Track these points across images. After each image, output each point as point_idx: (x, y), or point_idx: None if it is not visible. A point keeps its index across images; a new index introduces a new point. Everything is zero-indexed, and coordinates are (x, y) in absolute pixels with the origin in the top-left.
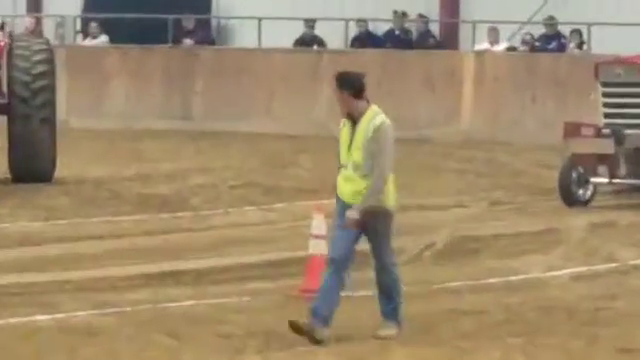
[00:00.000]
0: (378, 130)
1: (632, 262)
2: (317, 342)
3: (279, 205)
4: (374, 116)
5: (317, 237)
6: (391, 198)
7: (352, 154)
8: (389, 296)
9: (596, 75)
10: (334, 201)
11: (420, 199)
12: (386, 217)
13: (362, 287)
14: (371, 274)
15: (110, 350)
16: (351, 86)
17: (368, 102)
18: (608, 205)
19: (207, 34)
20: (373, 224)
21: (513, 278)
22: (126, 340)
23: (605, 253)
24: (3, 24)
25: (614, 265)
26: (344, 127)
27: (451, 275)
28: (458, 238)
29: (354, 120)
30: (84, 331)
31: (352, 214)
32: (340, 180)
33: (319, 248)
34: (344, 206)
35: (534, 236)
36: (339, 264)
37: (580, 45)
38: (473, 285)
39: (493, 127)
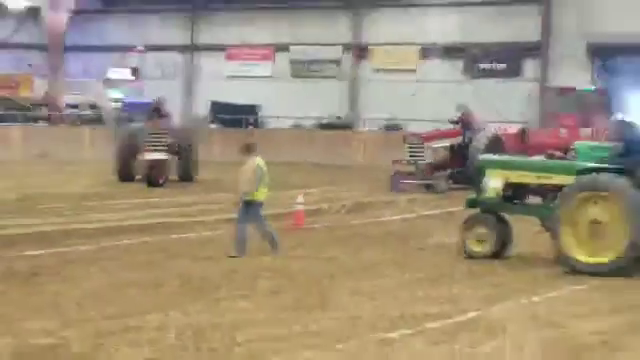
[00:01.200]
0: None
1: (423, 213)
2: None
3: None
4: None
5: (299, 204)
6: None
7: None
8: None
9: (404, 140)
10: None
11: (341, 188)
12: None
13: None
14: None
15: None
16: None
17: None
18: (418, 191)
19: None
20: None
21: (380, 219)
22: None
23: (410, 209)
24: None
25: (414, 215)
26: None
27: (354, 218)
28: (356, 203)
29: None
30: None
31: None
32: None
33: (300, 206)
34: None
35: (386, 203)
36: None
37: (404, 128)
38: (363, 222)
39: (372, 161)
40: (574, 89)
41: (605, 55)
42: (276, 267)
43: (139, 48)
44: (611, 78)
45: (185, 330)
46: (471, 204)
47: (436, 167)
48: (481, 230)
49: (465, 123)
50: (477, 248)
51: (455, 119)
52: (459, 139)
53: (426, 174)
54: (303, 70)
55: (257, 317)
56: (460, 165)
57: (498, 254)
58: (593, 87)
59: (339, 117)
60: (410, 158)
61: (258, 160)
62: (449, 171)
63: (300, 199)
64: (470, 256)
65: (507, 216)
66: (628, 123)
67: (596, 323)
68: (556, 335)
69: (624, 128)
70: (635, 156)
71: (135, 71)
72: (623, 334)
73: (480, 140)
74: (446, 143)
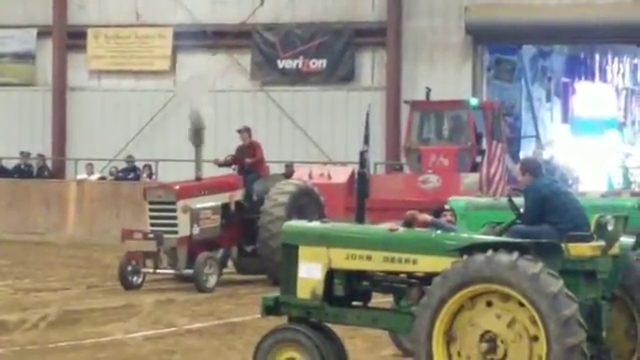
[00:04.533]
0: None
1: (186, 327)
2: None
3: None
4: None
5: None
6: None
7: None
8: None
9: (144, 196)
10: None
11: (38, 284)
12: None
13: None
14: None
15: None
16: None
17: None
18: (167, 287)
19: None
20: None
21: (103, 339)
22: None
23: (167, 321)
24: None
25: (173, 329)
26: None
27: (60, 338)
28: (64, 311)
29: None
30: None
31: None
32: None
33: None
34: None
35: (117, 309)
36: None
37: (150, 175)
38: (75, 344)
39: (90, 234)
40: (454, 103)
41: (491, 43)
42: None
43: None
44: (506, 83)
45: None
46: (271, 308)
47: (199, 244)
48: (292, 354)
49: (246, 164)
50: None
51: (228, 158)
52: (239, 193)
53: (180, 257)
54: None
55: None
56: (244, 239)
57: None
58: (475, 100)
59: (40, 155)
60: (153, 228)
61: None
62: (222, 251)
63: None
64: None
65: (334, 328)
66: (535, 164)
67: None
68: None
69: (534, 171)
70: (556, 220)
71: None
72: None
73: (277, 195)
74: (216, 201)
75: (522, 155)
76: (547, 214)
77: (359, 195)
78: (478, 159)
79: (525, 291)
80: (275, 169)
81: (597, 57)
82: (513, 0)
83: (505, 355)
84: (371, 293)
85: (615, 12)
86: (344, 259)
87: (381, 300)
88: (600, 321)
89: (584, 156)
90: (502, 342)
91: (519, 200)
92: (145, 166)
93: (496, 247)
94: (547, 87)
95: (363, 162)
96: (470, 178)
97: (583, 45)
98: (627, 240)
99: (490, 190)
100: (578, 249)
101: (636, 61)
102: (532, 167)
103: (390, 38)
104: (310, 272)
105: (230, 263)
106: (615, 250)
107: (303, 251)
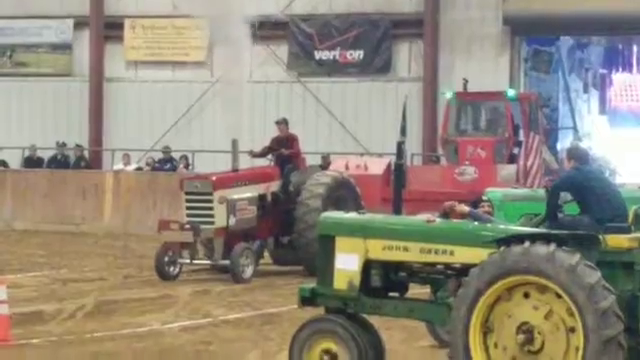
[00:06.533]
0: None
1: (222, 317)
2: None
3: None
4: None
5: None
6: None
7: None
8: None
9: (181, 187)
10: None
11: (74, 274)
12: None
13: None
14: None
15: None
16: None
17: None
18: (204, 278)
19: None
20: None
21: (139, 329)
22: None
23: (203, 311)
24: None
25: (210, 320)
26: None
27: (96, 328)
28: (101, 301)
29: None
30: None
31: None
32: None
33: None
34: None
35: (154, 300)
36: None
37: (187, 166)
38: (112, 335)
39: (126, 224)
40: (491, 95)
41: (529, 34)
42: None
43: None
44: (543, 74)
45: None
46: (308, 299)
47: (236, 235)
48: (329, 345)
49: (283, 154)
50: None
51: (265, 149)
52: (276, 184)
53: (217, 247)
54: (3, 62)
55: None
56: (280, 230)
57: None
58: (512, 91)
59: (78, 145)
60: (190, 219)
61: None
62: (259, 242)
63: (1, 293)
64: None
65: (371, 319)
66: (582, 151)
67: None
68: None
69: (580, 158)
70: (595, 209)
71: None
72: None
73: (313, 186)
74: (253, 192)
75: (559, 147)
76: (586, 202)
77: (396, 186)
78: (515, 151)
79: (562, 283)
80: (312, 160)
81: (635, 48)
82: None
83: (542, 347)
84: (408, 284)
85: None
86: (381, 250)
87: (418, 291)
88: (637, 313)
89: (622, 148)
90: (539, 333)
91: None
92: (182, 157)
93: (533, 238)
94: (584, 78)
95: (400, 153)
96: (507, 170)
97: (621, 36)
98: None
99: (527, 182)
100: (616, 240)
101: None
102: (578, 154)
103: (427, 29)
104: (347, 263)
105: (266, 254)
106: None
107: (340, 242)
